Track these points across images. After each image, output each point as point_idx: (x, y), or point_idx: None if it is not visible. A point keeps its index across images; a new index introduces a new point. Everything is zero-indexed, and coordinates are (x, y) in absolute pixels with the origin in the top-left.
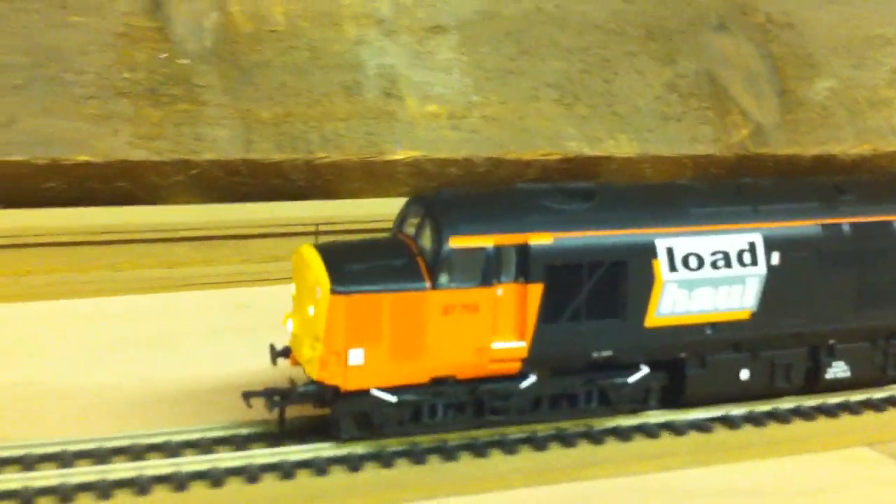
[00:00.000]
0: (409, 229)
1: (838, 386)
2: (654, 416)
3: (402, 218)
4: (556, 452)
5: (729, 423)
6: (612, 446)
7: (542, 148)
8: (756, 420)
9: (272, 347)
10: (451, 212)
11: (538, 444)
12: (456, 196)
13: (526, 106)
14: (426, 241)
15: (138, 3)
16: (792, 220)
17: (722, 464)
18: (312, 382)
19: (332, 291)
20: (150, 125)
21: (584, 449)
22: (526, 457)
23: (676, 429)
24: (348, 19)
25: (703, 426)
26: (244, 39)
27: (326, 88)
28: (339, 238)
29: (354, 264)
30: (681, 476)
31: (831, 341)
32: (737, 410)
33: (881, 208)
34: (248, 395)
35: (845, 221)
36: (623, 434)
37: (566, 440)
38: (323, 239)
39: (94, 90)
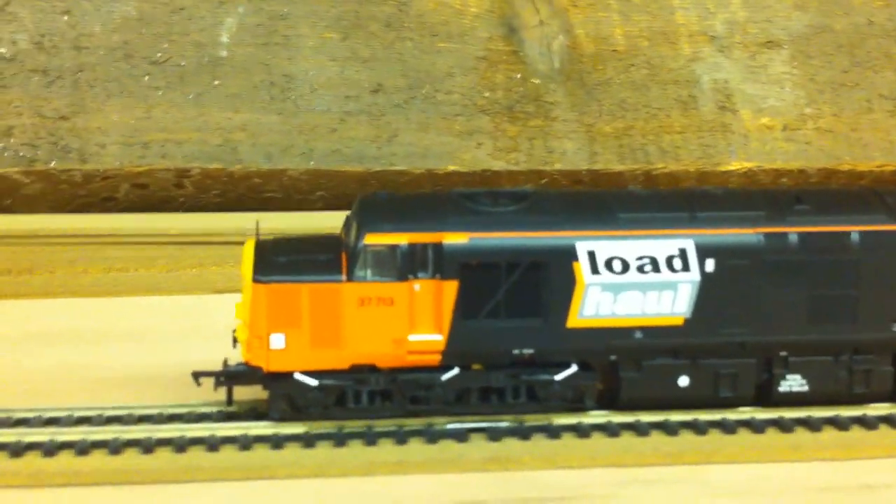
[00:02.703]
0: (347, 227)
1: (795, 400)
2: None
3: (347, 217)
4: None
5: None
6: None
7: (877, 159)
8: None
9: (233, 333)
10: (374, 211)
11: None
12: (388, 197)
13: (860, 117)
14: (351, 237)
15: (496, 30)
16: (730, 228)
17: None
18: (241, 363)
19: (254, 280)
20: (507, 139)
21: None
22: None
23: None
24: (684, 37)
25: None
26: (588, 59)
27: (663, 103)
28: None
29: (280, 257)
30: None
31: (783, 353)
32: None
33: (838, 219)
34: (196, 375)
35: (793, 231)
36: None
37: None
38: None
39: (459, 108)
